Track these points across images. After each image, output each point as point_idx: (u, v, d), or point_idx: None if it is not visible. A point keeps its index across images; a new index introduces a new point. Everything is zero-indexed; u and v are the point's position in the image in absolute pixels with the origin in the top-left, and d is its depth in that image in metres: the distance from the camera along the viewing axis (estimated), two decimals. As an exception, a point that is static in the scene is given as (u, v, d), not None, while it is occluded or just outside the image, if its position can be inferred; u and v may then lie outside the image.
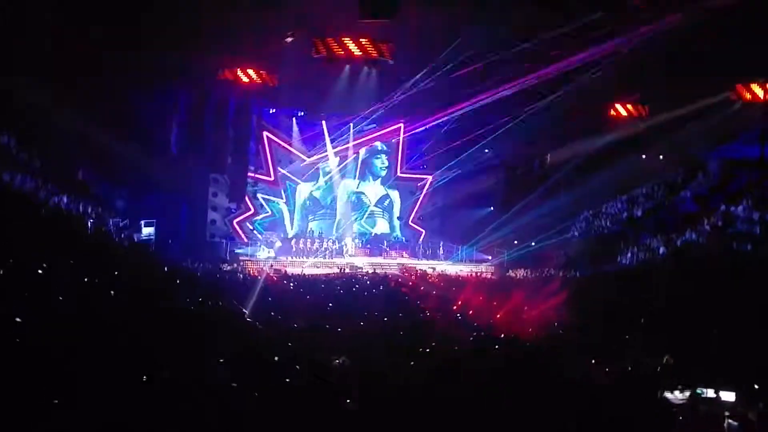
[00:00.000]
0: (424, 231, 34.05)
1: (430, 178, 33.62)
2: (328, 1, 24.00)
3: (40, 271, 12.42)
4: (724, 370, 12.30)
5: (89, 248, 18.44)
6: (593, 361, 14.10)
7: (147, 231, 26.81)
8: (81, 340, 10.00)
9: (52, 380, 8.07)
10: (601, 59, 25.25)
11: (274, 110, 32.77)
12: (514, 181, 31.09)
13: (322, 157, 32.98)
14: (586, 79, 26.16)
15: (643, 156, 29.57)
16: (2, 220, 15.12)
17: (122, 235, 24.23)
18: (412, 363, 13.74)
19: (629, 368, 13.65)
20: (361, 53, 26.57)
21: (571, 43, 24.44)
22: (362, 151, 34.01)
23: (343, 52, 26.51)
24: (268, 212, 33.00)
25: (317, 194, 33.96)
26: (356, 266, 29.82)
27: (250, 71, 27.76)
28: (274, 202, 33.10)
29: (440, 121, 30.60)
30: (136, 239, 25.34)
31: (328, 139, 32.58)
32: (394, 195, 34.84)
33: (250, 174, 31.65)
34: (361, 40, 26.20)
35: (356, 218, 34.24)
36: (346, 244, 32.46)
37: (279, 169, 32.72)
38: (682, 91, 25.73)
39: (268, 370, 11.97)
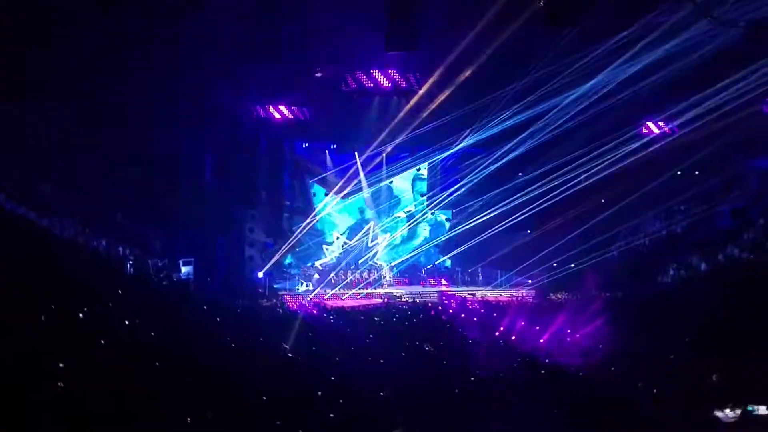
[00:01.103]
0: (461, 257, 33.71)
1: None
2: (355, 36, 24.13)
3: (81, 315, 12.47)
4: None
5: (129, 290, 18.52)
6: (639, 383, 13.82)
7: (185, 269, 26.91)
8: (124, 383, 9.98)
9: (98, 426, 8.03)
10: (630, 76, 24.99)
11: (306, 144, 33.00)
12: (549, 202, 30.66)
13: (356, 189, 32.98)
14: (617, 97, 25.89)
15: (678, 172, 29.08)
16: (43, 266, 15.25)
17: (161, 275, 24.35)
18: (456, 391, 13.59)
19: (677, 388, 13.33)
20: (389, 84, 26.64)
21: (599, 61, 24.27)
22: (395, 180, 33.98)
23: (372, 85, 26.62)
24: (304, 245, 33.04)
25: (352, 224, 34.00)
26: (395, 296, 29.64)
27: (282, 107, 27.96)
28: (310, 234, 33.11)
29: (470, 146, 30.56)
30: (175, 278, 25.45)
31: (361, 170, 32.63)
32: (429, 222, 34.72)
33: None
34: (389, 71, 26.30)
35: (391, 246, 34.15)
36: (384, 274, 32.34)
37: (313, 201, 32.83)
38: (714, 104, 25.32)
39: (311, 405, 11.87)
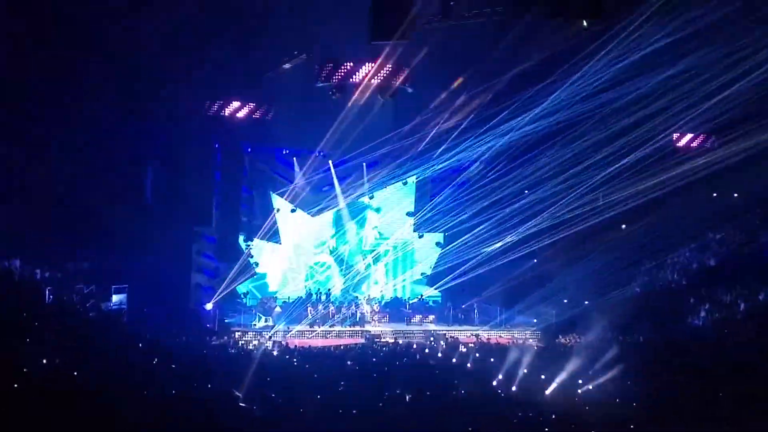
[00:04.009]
0: (453, 290, 33.60)
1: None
2: (333, 23, 24.17)
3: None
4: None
5: (47, 322, 18.35)
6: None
7: (117, 298, 26.69)
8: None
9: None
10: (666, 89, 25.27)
11: (270, 149, 32.86)
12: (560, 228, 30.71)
13: (330, 202, 32.88)
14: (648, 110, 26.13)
15: (714, 194, 29.22)
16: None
17: (87, 305, 24.12)
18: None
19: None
20: (373, 80, 26.61)
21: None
22: (376, 196, 33.92)
23: (351, 80, 26.58)
24: (263, 273, 32.88)
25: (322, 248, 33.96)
26: (374, 334, 29.49)
27: (238, 104, 27.89)
28: (271, 260, 32.98)
29: (465, 160, 30.68)
30: (104, 309, 25.20)
31: (336, 183, 32.56)
32: (412, 245, 34.71)
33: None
34: (372, 65, 26.27)
35: (366, 274, 34.13)
36: (362, 309, 32.13)
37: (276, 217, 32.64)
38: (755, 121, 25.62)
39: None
